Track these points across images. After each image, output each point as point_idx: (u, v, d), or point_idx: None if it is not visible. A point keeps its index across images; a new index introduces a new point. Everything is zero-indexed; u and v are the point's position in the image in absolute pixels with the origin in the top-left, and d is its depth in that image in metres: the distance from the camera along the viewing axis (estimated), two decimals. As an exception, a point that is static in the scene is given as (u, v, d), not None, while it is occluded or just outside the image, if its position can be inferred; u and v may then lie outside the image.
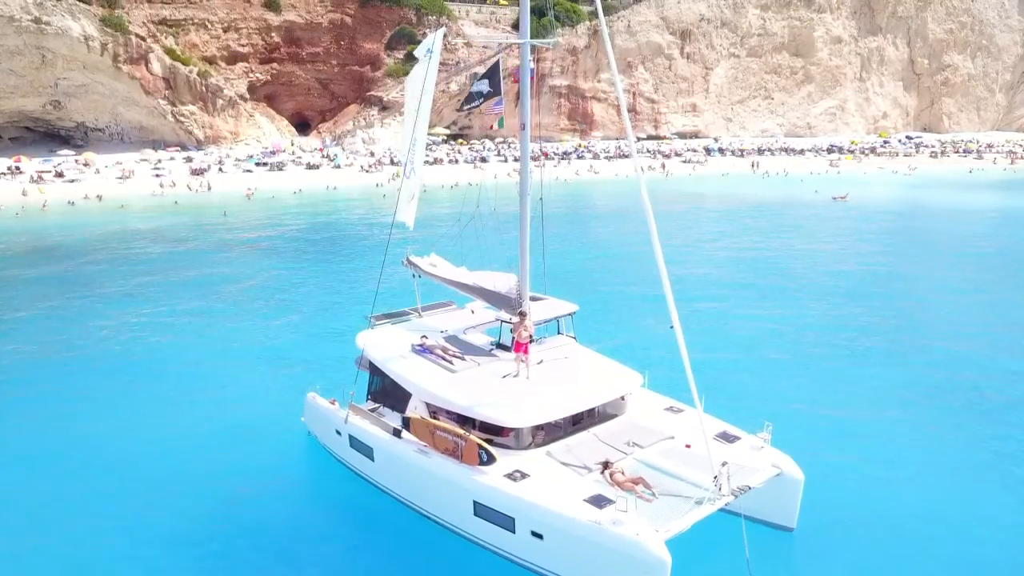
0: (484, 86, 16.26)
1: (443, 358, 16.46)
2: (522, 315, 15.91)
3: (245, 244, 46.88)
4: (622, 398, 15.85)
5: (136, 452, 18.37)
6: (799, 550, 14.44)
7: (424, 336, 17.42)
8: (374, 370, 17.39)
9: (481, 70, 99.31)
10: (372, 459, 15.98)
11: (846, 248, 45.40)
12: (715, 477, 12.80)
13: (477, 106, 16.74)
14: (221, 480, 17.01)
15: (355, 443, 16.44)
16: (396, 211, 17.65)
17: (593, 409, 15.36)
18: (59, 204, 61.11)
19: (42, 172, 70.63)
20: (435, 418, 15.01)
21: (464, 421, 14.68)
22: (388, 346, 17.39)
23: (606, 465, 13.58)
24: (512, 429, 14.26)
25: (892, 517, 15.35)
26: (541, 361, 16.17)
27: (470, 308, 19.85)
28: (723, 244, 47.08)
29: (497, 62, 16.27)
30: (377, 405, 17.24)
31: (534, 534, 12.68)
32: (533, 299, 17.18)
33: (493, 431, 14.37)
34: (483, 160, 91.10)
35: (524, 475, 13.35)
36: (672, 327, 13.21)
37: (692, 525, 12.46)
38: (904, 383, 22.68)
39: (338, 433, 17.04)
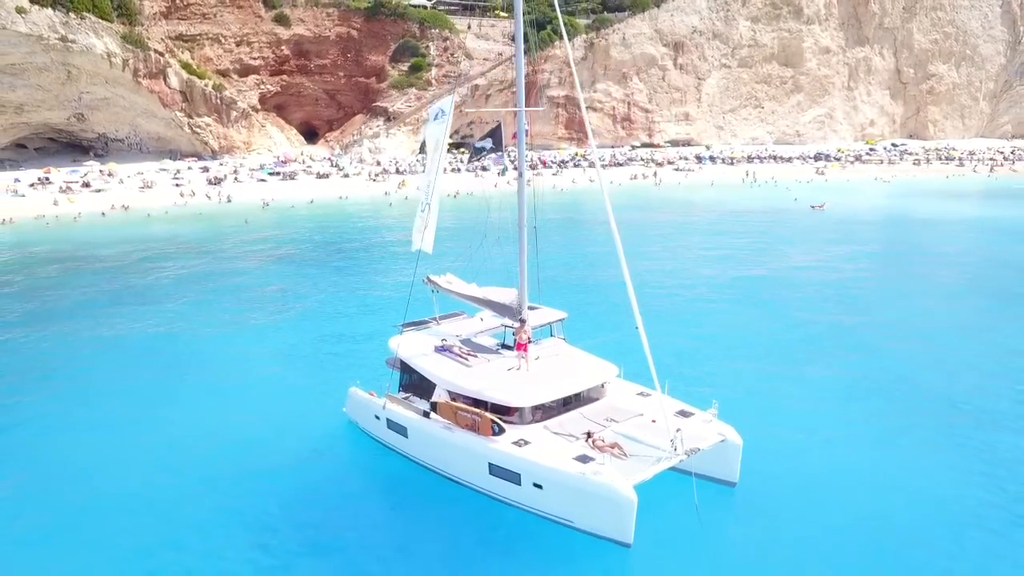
0: (488, 143, 20.64)
1: (460, 356, 20.73)
2: (522, 322, 20.22)
3: (271, 254, 51.03)
4: (602, 385, 20.07)
5: (196, 436, 22.20)
6: (739, 500, 18.51)
7: (444, 339, 21.72)
8: (405, 367, 21.59)
9: (482, 82, 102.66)
10: (406, 436, 20.23)
11: (812, 255, 49.52)
12: (671, 441, 17.02)
13: (481, 158, 21.14)
14: (277, 459, 20.64)
15: (392, 425, 20.68)
16: (419, 241, 21.80)
17: (579, 393, 19.56)
18: (90, 215, 65.39)
19: (70, 183, 74.93)
20: (455, 402, 19.30)
21: (478, 404, 18.88)
22: (415, 348, 21.61)
23: (589, 435, 17.78)
24: (516, 409, 18.49)
25: (816, 475, 19.48)
26: (538, 358, 20.38)
27: (479, 316, 24.06)
28: (699, 250, 51.49)
29: (499, 124, 20.63)
30: (408, 395, 21.39)
31: (535, 485, 16.90)
32: (531, 308, 21.44)
33: (502, 411, 18.56)
34: (484, 169, 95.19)
35: (527, 442, 17.58)
36: (637, 328, 17.50)
37: (654, 476, 16.57)
38: (838, 372, 26.93)
39: (377, 418, 21.28)
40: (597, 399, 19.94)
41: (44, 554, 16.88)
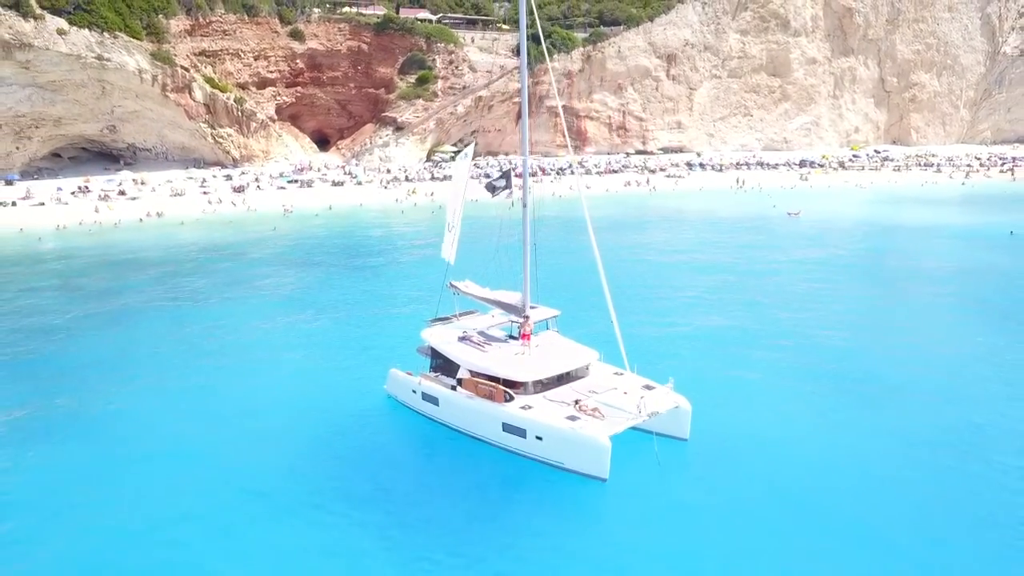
0: (502, 182, 26.88)
1: (478, 344, 26.92)
2: (526, 318, 26.43)
3: (302, 258, 56.69)
4: (587, 367, 26.13)
5: (260, 409, 27.61)
6: (689, 451, 24.29)
7: (464, 331, 27.96)
8: (434, 353, 27.74)
9: (485, 93, 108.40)
10: (437, 405, 26.40)
11: (776, 258, 55.17)
12: (637, 406, 23.15)
13: (497, 193, 27.40)
14: (331, 426, 26.02)
15: (426, 397, 26.81)
16: (449, 255, 28.07)
17: (569, 372, 25.62)
18: (128, 221, 71.54)
19: (107, 191, 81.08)
20: (476, 378, 25.48)
21: (493, 379, 24.89)
22: (443, 337, 27.80)
23: (577, 402, 23.87)
24: (522, 383, 24.59)
25: (752, 433, 25.29)
26: (538, 345, 26.45)
27: (491, 314, 30.14)
28: (675, 253, 57.45)
29: (510, 169, 26.76)
30: (437, 374, 27.49)
31: (537, 437, 22.95)
32: (532, 307, 27.64)
33: (511, 384, 24.58)
34: (487, 176, 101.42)
35: (530, 407, 23.68)
36: (612, 322, 23.66)
37: (624, 430, 22.57)
38: (781, 357, 32.76)
39: (414, 392, 27.40)
40: (583, 377, 26.01)
41: (126, 500, 21.36)
